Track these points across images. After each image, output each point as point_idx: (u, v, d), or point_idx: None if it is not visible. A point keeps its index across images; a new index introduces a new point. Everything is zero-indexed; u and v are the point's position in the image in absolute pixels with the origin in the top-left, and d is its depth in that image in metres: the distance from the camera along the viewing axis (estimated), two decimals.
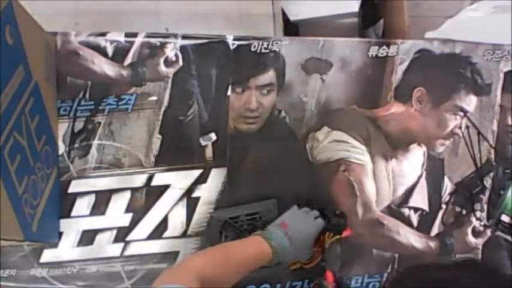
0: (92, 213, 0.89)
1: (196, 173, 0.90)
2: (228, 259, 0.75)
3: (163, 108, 0.90)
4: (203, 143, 0.91)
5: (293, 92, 0.92)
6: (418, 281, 0.57)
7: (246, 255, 0.77)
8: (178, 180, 0.90)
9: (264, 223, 0.89)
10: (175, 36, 0.90)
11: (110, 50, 0.89)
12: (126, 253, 0.89)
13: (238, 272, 0.75)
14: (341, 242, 0.88)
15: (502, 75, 0.97)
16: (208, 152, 0.91)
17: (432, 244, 0.96)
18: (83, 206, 0.88)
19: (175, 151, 0.90)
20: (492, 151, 0.97)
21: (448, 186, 0.97)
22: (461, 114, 0.96)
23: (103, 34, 0.89)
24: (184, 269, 0.71)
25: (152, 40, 0.89)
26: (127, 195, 0.89)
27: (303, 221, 0.84)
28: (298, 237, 0.81)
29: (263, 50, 0.91)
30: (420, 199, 0.96)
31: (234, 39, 0.91)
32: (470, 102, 0.96)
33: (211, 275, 0.70)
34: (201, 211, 0.91)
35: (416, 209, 0.96)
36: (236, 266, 0.75)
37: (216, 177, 0.91)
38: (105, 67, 0.88)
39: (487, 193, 0.98)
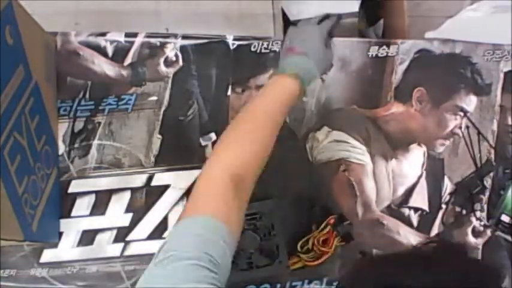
0: (92, 213, 0.89)
1: (196, 173, 0.90)
2: (257, 131, 0.65)
3: (163, 108, 0.90)
4: (203, 143, 0.91)
5: None
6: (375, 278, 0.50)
7: (275, 104, 0.67)
8: (178, 180, 0.90)
9: (264, 223, 0.89)
10: (175, 36, 0.90)
11: (110, 50, 0.89)
12: (126, 253, 0.89)
13: (275, 131, 0.67)
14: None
15: (502, 75, 0.97)
16: (208, 152, 0.91)
17: None
18: (83, 206, 0.88)
19: (175, 151, 0.90)
20: (492, 151, 0.97)
21: (448, 186, 0.97)
22: (461, 114, 0.96)
23: (103, 34, 0.89)
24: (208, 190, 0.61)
25: (152, 40, 0.89)
26: (127, 195, 0.89)
27: (306, 32, 0.75)
28: (312, 49, 0.72)
29: (263, 50, 0.91)
30: (420, 199, 0.96)
31: (234, 39, 0.91)
32: (470, 102, 0.96)
33: (246, 163, 0.63)
34: None
35: (416, 209, 0.96)
36: (269, 127, 0.66)
37: None
38: (105, 67, 0.88)
39: (487, 193, 0.98)
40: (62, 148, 0.88)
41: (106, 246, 0.89)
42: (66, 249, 0.88)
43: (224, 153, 0.65)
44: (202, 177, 0.63)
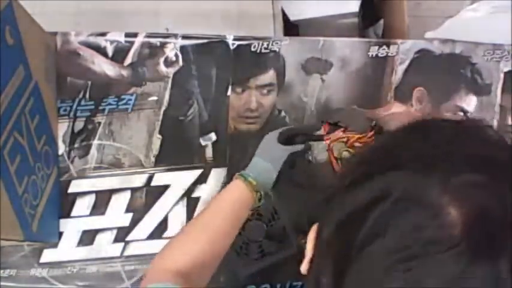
0: (92, 213, 0.89)
1: (196, 173, 0.90)
2: (208, 233, 0.68)
3: (163, 108, 0.90)
4: (203, 143, 0.91)
5: (293, 92, 0.92)
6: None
7: (226, 213, 0.70)
8: (178, 180, 0.90)
9: (266, 210, 0.88)
10: (175, 36, 0.90)
11: (110, 50, 0.89)
12: (126, 253, 0.89)
13: (228, 233, 0.69)
14: None
15: (502, 75, 0.97)
16: (208, 152, 0.91)
17: None
18: (83, 206, 0.88)
19: (175, 151, 0.90)
20: None
21: None
22: (461, 114, 0.96)
23: (103, 34, 0.89)
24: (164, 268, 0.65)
25: (152, 40, 0.89)
26: (127, 195, 0.89)
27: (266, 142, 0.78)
28: (266, 151, 0.76)
29: (263, 50, 0.91)
30: None
31: (234, 39, 0.91)
32: (470, 102, 0.96)
33: (200, 258, 0.65)
34: None
35: None
36: (222, 231, 0.69)
37: (216, 177, 0.91)
38: (105, 67, 0.88)
39: None
40: (62, 148, 0.88)
41: (106, 246, 0.89)
42: (66, 249, 0.88)
43: (169, 251, 0.68)
44: (146, 273, 0.67)
